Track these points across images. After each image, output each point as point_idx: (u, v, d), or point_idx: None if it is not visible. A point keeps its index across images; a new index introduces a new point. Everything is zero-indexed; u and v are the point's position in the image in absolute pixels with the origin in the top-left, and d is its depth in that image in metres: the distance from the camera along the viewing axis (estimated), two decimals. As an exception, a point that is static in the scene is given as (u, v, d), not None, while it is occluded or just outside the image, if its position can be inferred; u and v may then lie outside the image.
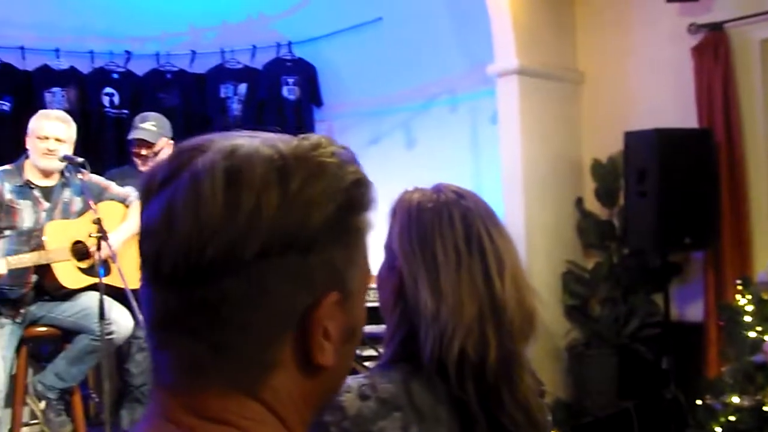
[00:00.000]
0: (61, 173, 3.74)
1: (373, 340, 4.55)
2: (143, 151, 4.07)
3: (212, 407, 0.67)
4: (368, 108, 5.80)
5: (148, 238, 0.67)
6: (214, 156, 0.67)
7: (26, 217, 3.61)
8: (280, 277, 0.66)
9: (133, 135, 4.07)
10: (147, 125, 4.08)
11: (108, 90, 5.54)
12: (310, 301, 0.68)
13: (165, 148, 4.13)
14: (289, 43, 5.92)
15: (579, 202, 4.90)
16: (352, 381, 1.19)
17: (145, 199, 0.69)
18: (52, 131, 3.66)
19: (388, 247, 1.32)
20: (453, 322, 1.19)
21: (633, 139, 4.28)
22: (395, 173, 5.59)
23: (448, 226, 1.26)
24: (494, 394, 1.20)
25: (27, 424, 3.81)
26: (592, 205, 4.88)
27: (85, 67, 5.54)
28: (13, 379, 3.62)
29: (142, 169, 4.10)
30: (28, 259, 3.44)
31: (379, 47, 5.66)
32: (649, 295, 4.52)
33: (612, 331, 4.54)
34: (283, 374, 0.69)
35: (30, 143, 3.68)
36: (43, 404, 3.63)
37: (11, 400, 3.63)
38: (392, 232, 1.31)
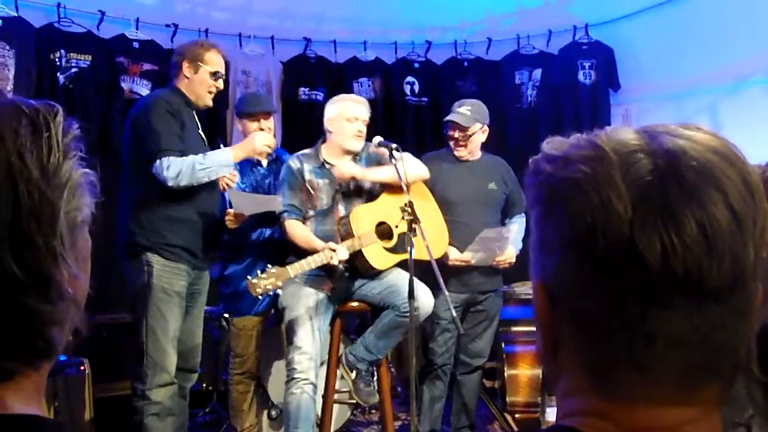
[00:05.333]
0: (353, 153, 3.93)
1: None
2: (456, 134, 4.15)
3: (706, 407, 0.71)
4: (669, 91, 5.49)
5: (682, 254, 0.65)
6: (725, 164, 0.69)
7: (324, 197, 3.85)
8: None
9: (448, 117, 4.16)
10: (463, 110, 4.14)
11: (409, 79, 5.81)
12: None
13: (478, 133, 4.18)
14: (586, 26, 5.78)
15: None
16: None
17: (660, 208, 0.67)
18: (361, 113, 3.88)
19: None
20: None
21: None
22: (699, 161, 5.28)
23: None
24: None
25: (338, 391, 4.07)
26: None
27: (389, 58, 5.85)
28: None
29: (456, 153, 4.19)
30: (347, 248, 3.66)
31: (684, 24, 5.34)
32: None
33: None
34: None
35: (335, 125, 3.87)
36: (353, 374, 3.86)
37: (326, 369, 3.92)
38: None
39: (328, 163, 3.87)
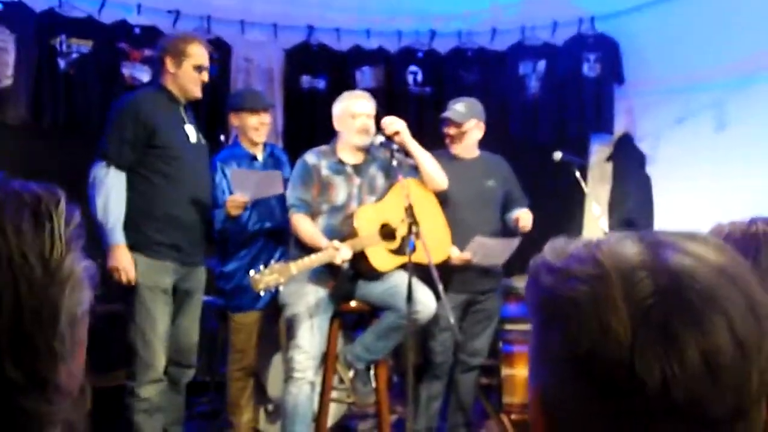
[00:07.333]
0: (367, 151, 3.95)
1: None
2: (451, 131, 4.17)
3: None
4: (674, 85, 5.44)
5: (684, 383, 0.63)
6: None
7: (340, 193, 3.87)
8: None
9: (443, 114, 4.18)
10: (458, 106, 4.17)
11: (412, 68, 5.75)
12: None
13: (473, 129, 4.18)
14: (592, 18, 5.70)
15: None
16: None
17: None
18: (364, 108, 3.90)
19: None
20: None
21: None
22: (701, 158, 5.25)
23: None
24: None
25: (335, 389, 4.08)
26: None
27: (392, 47, 5.79)
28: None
29: (451, 149, 4.20)
30: (351, 248, 3.65)
31: (690, 18, 5.26)
32: None
33: None
34: None
35: (342, 123, 3.91)
36: (351, 373, 3.87)
37: (323, 367, 3.92)
38: None
39: (343, 161, 3.89)
